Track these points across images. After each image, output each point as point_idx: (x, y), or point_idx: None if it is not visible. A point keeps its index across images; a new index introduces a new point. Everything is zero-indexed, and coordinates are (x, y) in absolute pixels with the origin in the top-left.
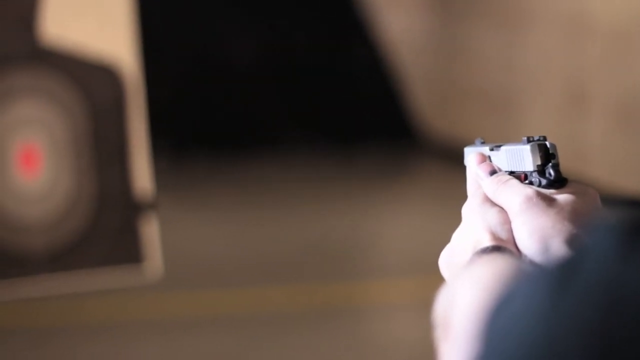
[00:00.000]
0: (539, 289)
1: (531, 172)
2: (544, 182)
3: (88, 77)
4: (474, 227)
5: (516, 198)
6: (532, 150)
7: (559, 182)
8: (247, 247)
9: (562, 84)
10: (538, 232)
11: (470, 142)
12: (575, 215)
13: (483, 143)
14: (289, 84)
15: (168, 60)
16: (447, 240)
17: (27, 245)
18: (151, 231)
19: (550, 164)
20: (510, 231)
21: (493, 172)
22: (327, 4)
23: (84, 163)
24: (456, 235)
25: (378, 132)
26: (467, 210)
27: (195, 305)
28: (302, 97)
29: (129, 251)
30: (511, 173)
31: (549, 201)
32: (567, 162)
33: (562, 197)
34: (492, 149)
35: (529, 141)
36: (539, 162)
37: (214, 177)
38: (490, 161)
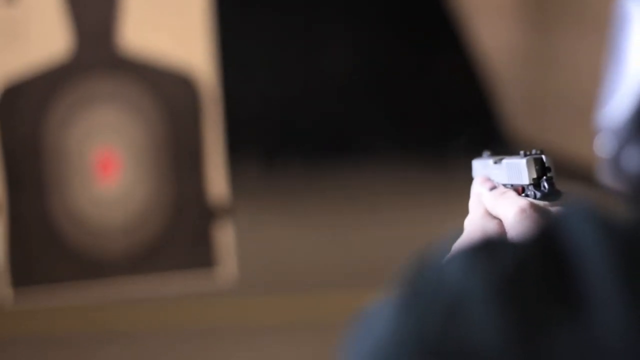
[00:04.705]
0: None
1: (527, 185)
2: (538, 194)
3: (165, 85)
4: (472, 239)
5: (511, 209)
6: (528, 164)
7: (552, 195)
8: (326, 253)
9: None
10: None
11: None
12: None
13: (490, 156)
14: (382, 92)
15: (257, 68)
16: None
17: (105, 249)
18: (227, 237)
19: (545, 177)
20: None
21: (493, 187)
22: (421, 13)
23: (162, 169)
24: (456, 247)
25: (469, 140)
26: (468, 222)
27: (270, 311)
28: (395, 104)
29: (203, 256)
30: (511, 186)
31: (543, 213)
32: None
33: (556, 209)
34: (495, 162)
35: (525, 155)
36: (535, 176)
37: (301, 184)
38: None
